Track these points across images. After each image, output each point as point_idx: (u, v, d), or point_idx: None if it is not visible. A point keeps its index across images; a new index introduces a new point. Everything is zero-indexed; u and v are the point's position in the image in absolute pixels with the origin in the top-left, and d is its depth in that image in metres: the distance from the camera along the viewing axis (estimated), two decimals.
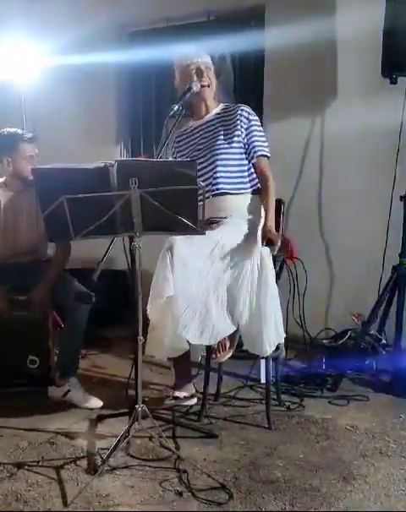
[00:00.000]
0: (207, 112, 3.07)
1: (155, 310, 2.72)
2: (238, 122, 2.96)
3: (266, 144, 3.00)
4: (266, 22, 4.12)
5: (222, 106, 3.08)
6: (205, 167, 2.91)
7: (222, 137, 2.96)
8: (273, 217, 2.94)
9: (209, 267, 2.76)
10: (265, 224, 2.89)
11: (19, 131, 3.18)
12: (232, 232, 2.85)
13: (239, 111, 2.97)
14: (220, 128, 2.99)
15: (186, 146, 3.09)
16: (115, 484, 2.29)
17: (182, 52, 3.06)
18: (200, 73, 2.96)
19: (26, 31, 4.32)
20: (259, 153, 2.97)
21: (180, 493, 2.23)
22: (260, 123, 3.03)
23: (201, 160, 2.92)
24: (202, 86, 2.94)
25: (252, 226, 2.95)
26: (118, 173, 2.27)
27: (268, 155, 3.01)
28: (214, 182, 2.91)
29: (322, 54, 3.95)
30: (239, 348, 2.83)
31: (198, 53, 3.00)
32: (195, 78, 2.94)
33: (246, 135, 2.96)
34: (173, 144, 3.14)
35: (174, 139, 3.14)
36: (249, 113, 2.99)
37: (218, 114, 3.04)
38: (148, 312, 2.70)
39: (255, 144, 2.97)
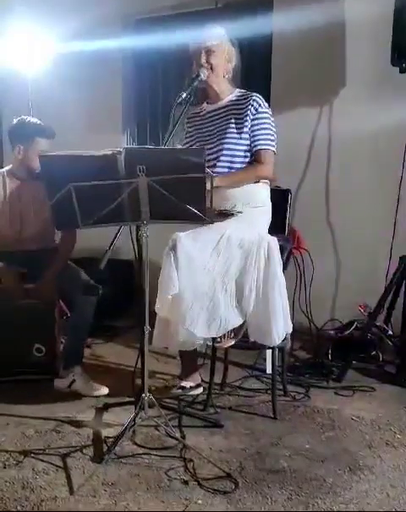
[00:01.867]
0: (219, 97, 3.00)
1: (164, 306, 2.73)
2: (248, 112, 2.88)
3: (271, 137, 2.91)
4: (274, 8, 4.07)
5: (237, 92, 2.99)
6: (209, 155, 2.86)
7: (231, 126, 2.90)
8: (227, 182, 2.82)
9: (214, 261, 2.75)
10: (218, 179, 2.74)
11: (40, 123, 3.17)
12: (237, 223, 2.83)
13: (251, 102, 2.89)
14: (230, 117, 2.92)
15: (195, 129, 3.06)
16: (121, 472, 2.29)
17: (195, 35, 2.99)
18: (197, 57, 2.89)
19: (32, 18, 4.29)
20: (258, 147, 2.89)
21: (186, 482, 2.23)
22: (269, 115, 2.92)
23: (207, 146, 2.89)
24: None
25: (259, 215, 2.94)
26: (126, 161, 2.25)
27: (269, 148, 2.90)
28: (218, 171, 2.87)
29: (331, 41, 3.91)
30: (245, 338, 2.83)
31: (199, 36, 2.93)
32: (195, 62, 2.89)
33: (251, 127, 2.89)
34: (185, 124, 3.11)
35: (186, 120, 3.10)
36: (259, 104, 2.89)
37: (232, 101, 2.97)
38: (157, 309, 2.69)
39: (258, 137, 2.89)
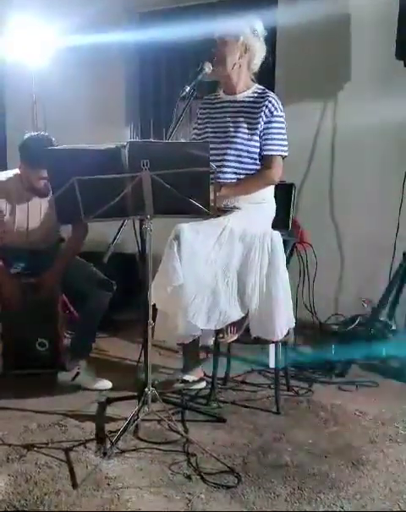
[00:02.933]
0: (234, 90, 2.95)
1: (161, 298, 2.71)
2: (262, 113, 2.85)
3: (283, 142, 2.88)
4: (278, 2, 4.04)
5: (255, 88, 2.94)
6: (216, 149, 2.84)
7: (242, 125, 2.87)
8: (234, 192, 2.86)
9: (217, 253, 2.75)
10: (224, 188, 2.81)
11: (51, 146, 2.86)
12: (240, 217, 2.83)
13: (266, 102, 2.85)
14: (243, 115, 2.89)
15: (206, 118, 3.03)
16: (124, 467, 2.29)
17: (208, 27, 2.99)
18: (213, 47, 2.87)
19: (35, 12, 4.27)
20: (267, 152, 2.87)
21: (189, 477, 2.23)
22: (283, 119, 2.89)
23: (215, 140, 2.88)
24: (214, 62, 2.84)
25: (261, 210, 2.94)
26: (130, 155, 2.24)
27: (279, 153, 2.88)
28: (224, 169, 2.87)
29: (335, 35, 3.87)
30: (248, 332, 2.82)
31: (219, 27, 2.90)
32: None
33: (263, 130, 2.86)
34: (198, 109, 3.10)
35: (200, 104, 3.08)
36: (275, 107, 2.86)
37: (248, 97, 2.92)
38: (152, 299, 2.69)
39: (269, 141, 2.86)
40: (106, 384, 3.06)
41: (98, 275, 3.12)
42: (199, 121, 3.08)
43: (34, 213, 3.16)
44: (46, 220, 3.17)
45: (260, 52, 2.93)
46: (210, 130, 2.99)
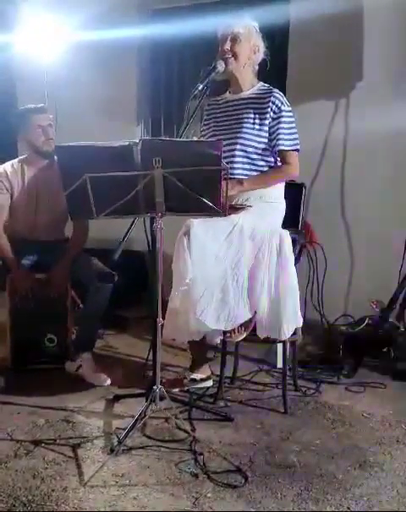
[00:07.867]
0: (241, 88, 2.95)
1: (176, 297, 2.72)
2: (269, 109, 2.84)
3: (294, 136, 2.87)
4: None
5: (260, 86, 2.94)
6: (225, 146, 2.80)
7: (249, 121, 2.86)
8: (255, 185, 2.86)
9: (226, 250, 2.75)
10: (246, 182, 2.83)
11: (30, 105, 3.22)
12: (251, 215, 2.81)
13: (272, 98, 2.84)
14: (250, 111, 2.87)
15: (212, 119, 3.03)
16: (131, 464, 2.30)
17: (221, 22, 2.92)
18: (222, 43, 2.84)
19: (49, 6, 4.27)
20: (282, 147, 2.86)
21: (196, 475, 2.23)
22: (291, 114, 2.88)
23: (222, 137, 2.84)
24: (225, 59, 2.82)
25: (271, 210, 2.92)
26: (142, 152, 2.24)
27: (294, 148, 2.88)
28: (233, 166, 2.85)
29: (348, 33, 3.84)
30: (254, 332, 2.82)
31: (228, 22, 2.86)
32: (219, 49, 2.85)
33: (273, 126, 2.85)
34: (204, 111, 3.09)
35: (206, 106, 3.07)
36: (281, 102, 2.85)
37: (253, 94, 2.92)
38: (171, 299, 2.68)
39: (282, 137, 2.85)
40: (105, 380, 3.05)
41: (99, 266, 3.14)
42: (205, 122, 3.08)
43: (42, 191, 3.22)
44: (54, 204, 3.20)
45: (261, 53, 2.93)
46: (216, 129, 2.98)
